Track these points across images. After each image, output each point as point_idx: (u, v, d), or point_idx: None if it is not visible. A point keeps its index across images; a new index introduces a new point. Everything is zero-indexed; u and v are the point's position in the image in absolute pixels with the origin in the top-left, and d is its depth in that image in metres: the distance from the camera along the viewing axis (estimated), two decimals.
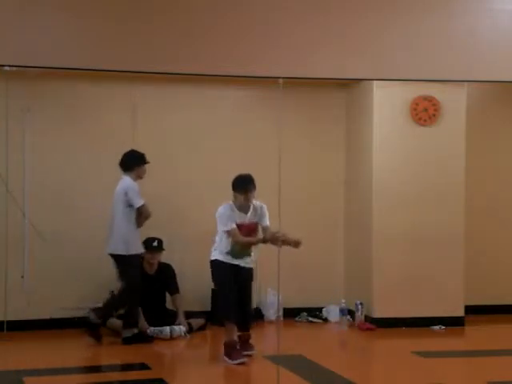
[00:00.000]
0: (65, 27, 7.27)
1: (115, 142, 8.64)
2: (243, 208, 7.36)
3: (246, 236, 7.31)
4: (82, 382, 6.50)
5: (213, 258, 7.40)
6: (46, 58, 7.27)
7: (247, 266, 7.43)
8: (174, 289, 8.50)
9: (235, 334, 7.34)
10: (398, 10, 7.94)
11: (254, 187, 7.36)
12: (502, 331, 8.72)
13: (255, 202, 7.41)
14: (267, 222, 7.44)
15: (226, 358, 7.24)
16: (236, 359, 7.20)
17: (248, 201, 7.33)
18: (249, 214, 7.37)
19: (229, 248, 7.32)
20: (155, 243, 8.39)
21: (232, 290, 7.30)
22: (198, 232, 8.81)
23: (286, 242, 7.17)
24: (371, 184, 8.63)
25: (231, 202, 7.38)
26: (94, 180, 8.59)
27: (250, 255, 7.44)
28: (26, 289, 8.33)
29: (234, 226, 7.28)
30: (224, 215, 7.31)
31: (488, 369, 7.00)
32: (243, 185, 7.34)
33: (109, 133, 8.66)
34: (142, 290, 8.28)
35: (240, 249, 7.33)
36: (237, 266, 7.35)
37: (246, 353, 7.35)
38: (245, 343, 7.42)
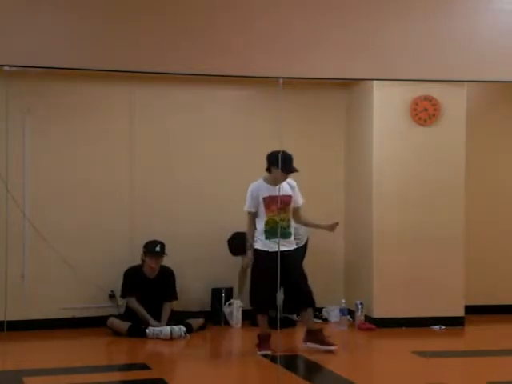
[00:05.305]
0: (65, 27, 7.26)
1: (115, 142, 8.66)
2: (274, 182, 7.44)
3: (280, 209, 7.31)
4: (81, 382, 6.49)
5: (254, 247, 7.46)
6: (46, 58, 7.25)
7: (289, 248, 7.40)
8: (172, 296, 8.41)
9: (267, 326, 7.41)
10: (398, 9, 7.94)
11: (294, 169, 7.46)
12: (502, 331, 8.71)
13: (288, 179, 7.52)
14: (299, 202, 7.56)
15: (256, 350, 7.36)
16: (260, 350, 7.31)
17: (284, 179, 7.42)
18: (278, 186, 7.39)
19: (263, 227, 7.36)
20: (158, 248, 8.30)
21: (266, 281, 7.29)
22: (197, 232, 8.81)
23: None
24: (371, 184, 8.62)
25: (261, 179, 7.48)
26: (94, 180, 8.58)
27: (289, 235, 7.44)
28: (25, 289, 8.33)
29: (253, 210, 7.40)
30: (248, 196, 7.46)
31: (488, 369, 6.99)
32: (286, 165, 7.38)
33: (108, 133, 8.66)
34: (142, 293, 8.28)
35: (274, 225, 7.33)
36: (277, 253, 7.26)
37: (325, 348, 7.39)
38: (318, 338, 7.46)
